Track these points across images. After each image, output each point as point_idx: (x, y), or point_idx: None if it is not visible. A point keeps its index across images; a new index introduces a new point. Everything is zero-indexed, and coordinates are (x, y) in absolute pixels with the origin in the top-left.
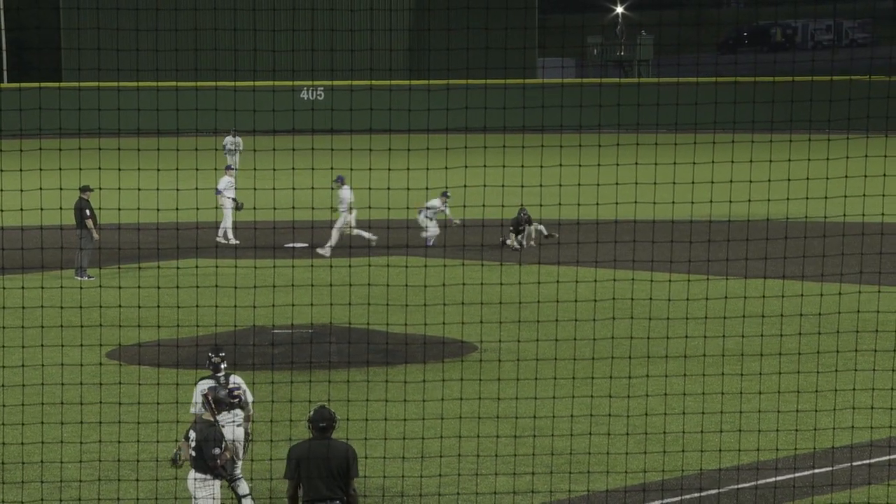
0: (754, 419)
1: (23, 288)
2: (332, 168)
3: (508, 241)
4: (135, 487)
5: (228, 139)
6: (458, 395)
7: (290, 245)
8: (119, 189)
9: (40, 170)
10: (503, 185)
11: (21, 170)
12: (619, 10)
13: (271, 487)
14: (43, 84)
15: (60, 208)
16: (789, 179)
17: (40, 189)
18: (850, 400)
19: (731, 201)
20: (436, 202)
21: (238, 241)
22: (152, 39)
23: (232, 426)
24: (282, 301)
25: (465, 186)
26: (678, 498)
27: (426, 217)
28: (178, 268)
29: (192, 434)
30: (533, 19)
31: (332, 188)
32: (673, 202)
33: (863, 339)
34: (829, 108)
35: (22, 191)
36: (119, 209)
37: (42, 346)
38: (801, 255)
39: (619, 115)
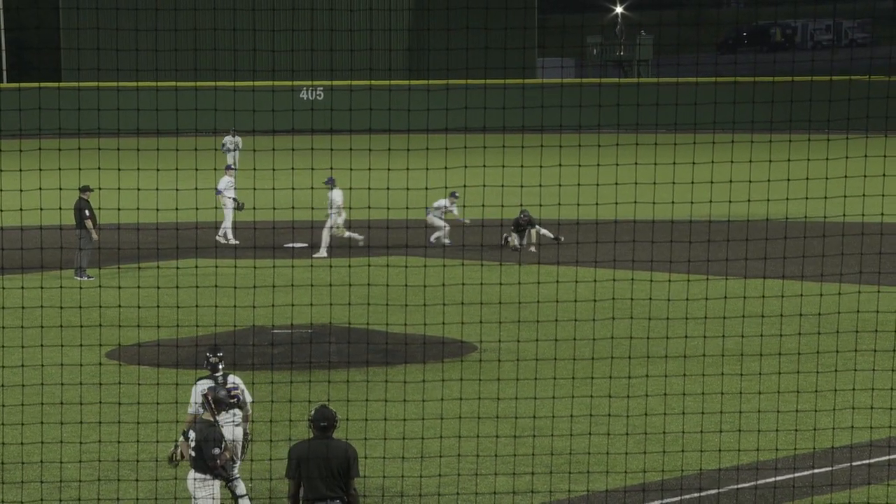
0: (754, 419)
1: (22, 288)
2: (331, 168)
3: (510, 239)
4: (134, 487)
5: (228, 138)
6: (458, 395)
7: (290, 245)
8: (119, 189)
9: (40, 170)
10: (503, 185)
11: (20, 170)
12: (619, 10)
13: (271, 487)
14: (42, 84)
15: (60, 208)
16: (789, 179)
17: (40, 189)
18: (849, 400)
19: (730, 201)
20: (443, 202)
21: (238, 242)
22: (152, 39)
23: (231, 426)
24: (281, 301)
25: (464, 186)
26: (678, 498)
27: (434, 217)
28: (177, 268)
29: (192, 434)
30: (532, 19)
31: (330, 188)
32: (672, 202)
33: (862, 339)
34: (828, 108)
35: (21, 191)
36: (119, 209)
37: (42, 346)
38: (800, 255)
39: (619, 115)
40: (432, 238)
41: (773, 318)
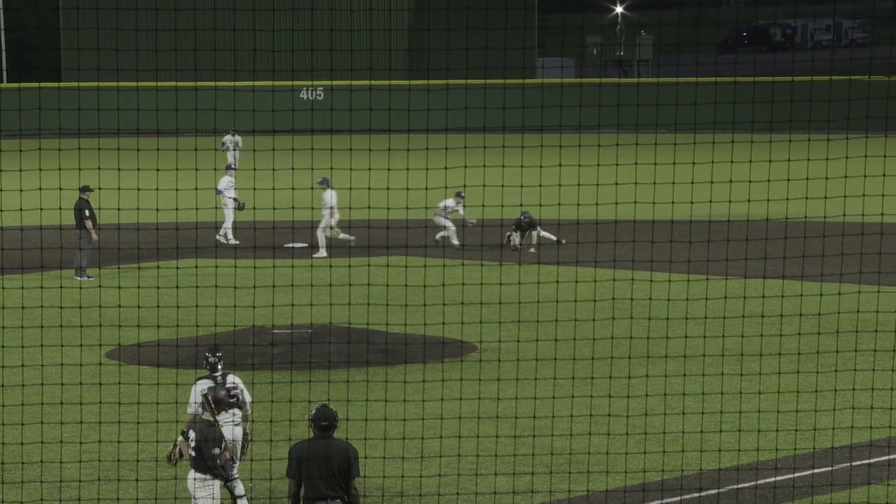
0: (754, 419)
1: (22, 288)
2: (331, 168)
3: (512, 238)
4: (134, 487)
5: (228, 137)
6: (458, 395)
7: (290, 245)
8: (119, 189)
9: (40, 170)
10: (503, 185)
11: (20, 170)
12: (619, 9)
13: (271, 487)
14: (42, 84)
15: (60, 208)
16: (789, 179)
17: (40, 189)
18: (849, 400)
19: (730, 201)
20: (450, 202)
21: (237, 242)
22: (152, 39)
23: (230, 426)
24: (281, 301)
25: (464, 186)
26: (678, 498)
27: (441, 217)
28: (177, 268)
29: (192, 434)
30: (532, 19)
31: (324, 188)
32: (672, 202)
33: (862, 339)
34: (828, 108)
35: (21, 191)
36: (119, 209)
37: (41, 346)
38: (800, 255)
39: (619, 115)
40: (437, 236)
41: (773, 318)
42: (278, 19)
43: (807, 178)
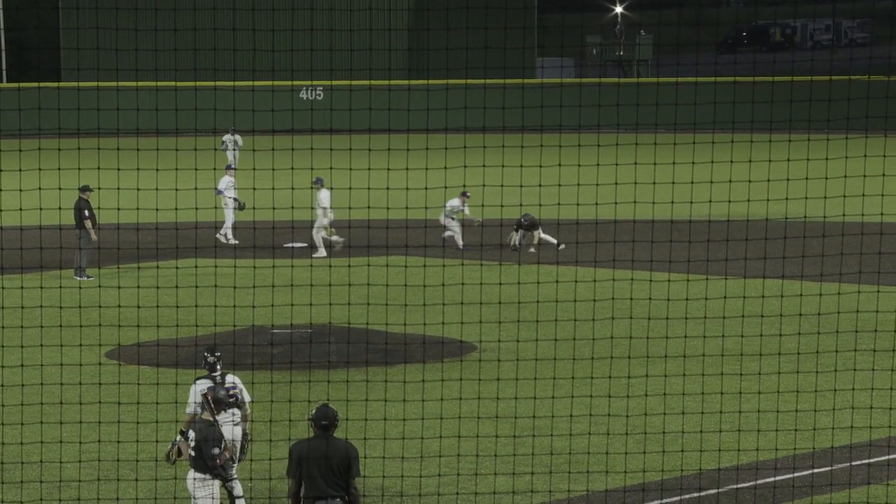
0: (753, 419)
1: (22, 288)
2: (331, 168)
3: (514, 237)
4: (134, 487)
5: (227, 137)
6: (458, 394)
7: (290, 245)
8: (118, 189)
9: (39, 170)
10: (502, 185)
11: (20, 170)
12: (619, 9)
13: (270, 487)
14: (42, 84)
15: (59, 208)
16: (788, 179)
17: (39, 189)
18: (849, 400)
19: (730, 201)
20: (455, 202)
21: (237, 242)
22: (151, 39)
23: (230, 426)
24: (281, 301)
25: (464, 186)
26: (677, 498)
27: (446, 217)
28: (177, 268)
29: (192, 434)
30: (532, 19)
31: (318, 188)
32: (672, 202)
33: (862, 338)
34: (828, 107)
35: (21, 191)
36: (118, 209)
37: (41, 345)
38: (800, 255)
39: (618, 115)
40: (444, 235)
41: (772, 317)
42: (278, 19)
43: (806, 178)
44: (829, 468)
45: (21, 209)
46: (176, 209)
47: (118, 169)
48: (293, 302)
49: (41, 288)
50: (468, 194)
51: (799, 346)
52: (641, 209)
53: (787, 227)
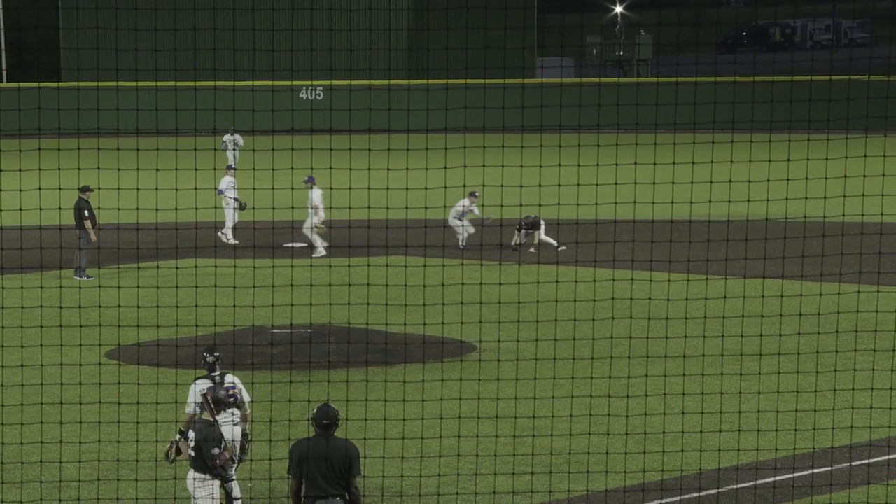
0: (753, 419)
1: (22, 288)
2: (331, 168)
3: (515, 236)
4: (134, 487)
5: (227, 136)
6: (457, 394)
7: (289, 245)
8: (118, 189)
9: (39, 170)
10: (502, 185)
11: (20, 170)
12: (618, 9)
13: (270, 487)
14: (42, 84)
15: (59, 208)
16: (788, 179)
17: (39, 189)
18: (848, 400)
19: (729, 201)
20: (465, 202)
21: (237, 241)
22: (151, 39)
23: (229, 425)
24: (281, 301)
25: (463, 186)
26: (677, 498)
27: (455, 218)
28: (177, 268)
29: (192, 434)
30: (532, 19)
31: (310, 187)
32: (672, 202)
33: (862, 338)
34: (827, 107)
35: (21, 191)
36: (118, 209)
37: (41, 345)
38: (800, 255)
39: (618, 115)
40: (461, 244)
41: (772, 317)
42: (278, 19)
43: (806, 178)
44: (829, 468)
45: (21, 209)
46: (176, 209)
47: (118, 169)
48: (293, 302)
49: (41, 288)
50: (476, 194)
51: (799, 346)
52: (641, 209)
53: (787, 227)
